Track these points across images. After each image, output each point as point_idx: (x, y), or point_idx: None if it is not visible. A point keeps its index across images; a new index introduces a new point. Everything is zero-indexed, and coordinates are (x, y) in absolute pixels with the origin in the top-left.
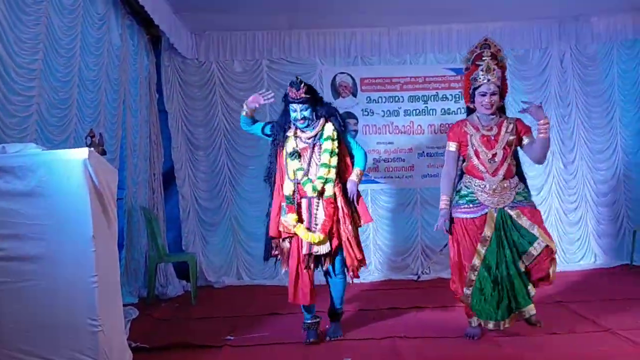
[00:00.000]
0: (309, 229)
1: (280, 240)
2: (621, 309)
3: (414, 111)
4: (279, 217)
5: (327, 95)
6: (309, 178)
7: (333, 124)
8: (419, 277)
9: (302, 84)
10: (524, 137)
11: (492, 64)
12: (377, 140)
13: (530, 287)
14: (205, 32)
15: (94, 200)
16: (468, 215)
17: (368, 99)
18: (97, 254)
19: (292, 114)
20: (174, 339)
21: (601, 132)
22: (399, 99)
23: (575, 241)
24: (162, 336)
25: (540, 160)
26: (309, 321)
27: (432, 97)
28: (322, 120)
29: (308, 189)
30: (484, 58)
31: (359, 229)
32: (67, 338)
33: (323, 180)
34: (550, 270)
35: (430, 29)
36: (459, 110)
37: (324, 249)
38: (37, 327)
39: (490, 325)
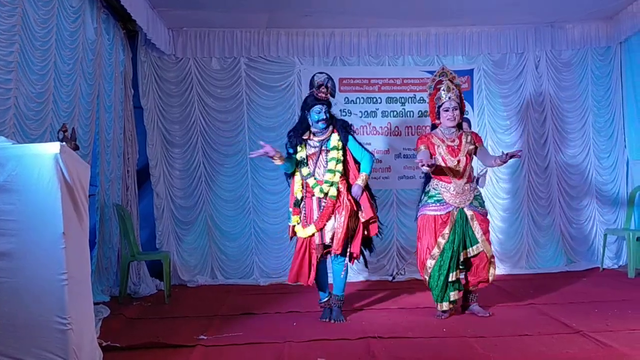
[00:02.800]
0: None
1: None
2: (591, 311)
3: (392, 112)
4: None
5: (305, 95)
6: (316, 182)
7: (339, 134)
8: (394, 278)
9: (331, 88)
10: (478, 146)
11: (451, 84)
12: None
13: (456, 272)
14: (183, 28)
15: (65, 196)
16: (435, 212)
17: (346, 99)
18: (67, 251)
19: (316, 116)
20: (146, 338)
21: (574, 137)
22: (376, 100)
23: (547, 244)
24: (133, 335)
25: (489, 166)
26: (324, 300)
27: (410, 99)
28: (330, 128)
29: (316, 191)
30: (443, 82)
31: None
32: (35, 337)
33: (329, 184)
34: (490, 273)
35: (409, 32)
36: None
37: (328, 237)
38: (4, 325)
39: (444, 306)
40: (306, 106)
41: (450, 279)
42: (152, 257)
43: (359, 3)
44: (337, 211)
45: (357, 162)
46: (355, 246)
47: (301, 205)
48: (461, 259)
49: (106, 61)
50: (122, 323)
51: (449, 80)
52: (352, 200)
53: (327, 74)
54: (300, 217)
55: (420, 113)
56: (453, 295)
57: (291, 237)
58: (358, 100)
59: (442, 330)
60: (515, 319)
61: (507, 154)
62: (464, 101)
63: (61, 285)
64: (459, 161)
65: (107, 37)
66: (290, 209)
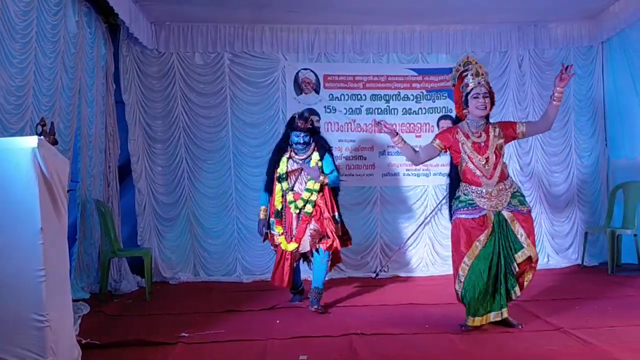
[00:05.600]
0: (288, 236)
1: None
2: (572, 309)
3: (376, 110)
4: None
5: (289, 91)
6: (293, 198)
7: (319, 153)
8: (377, 275)
9: (309, 118)
10: (517, 128)
11: (481, 70)
12: (339, 137)
13: (516, 288)
14: (166, 22)
15: (43, 192)
16: (468, 216)
17: (331, 96)
18: (45, 247)
19: (295, 139)
20: (126, 336)
21: (557, 135)
22: (361, 97)
23: None
24: (113, 333)
25: (550, 126)
26: (294, 290)
27: (394, 96)
28: (312, 146)
29: (291, 207)
30: (469, 70)
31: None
32: (11, 334)
33: (305, 201)
34: (526, 279)
35: (394, 29)
36: (420, 110)
37: (305, 245)
38: None
39: (476, 322)
40: (290, 127)
41: (494, 298)
42: (133, 253)
43: (344, 0)
44: (314, 219)
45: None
46: (339, 239)
47: (282, 216)
48: (514, 270)
49: (88, 55)
50: (102, 320)
51: (477, 66)
52: (328, 210)
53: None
54: (283, 227)
55: (404, 110)
56: (494, 315)
57: (275, 247)
58: (342, 97)
59: (424, 326)
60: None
61: (557, 84)
62: (493, 91)
63: (39, 281)
64: (487, 159)
65: (88, 31)
66: (272, 219)
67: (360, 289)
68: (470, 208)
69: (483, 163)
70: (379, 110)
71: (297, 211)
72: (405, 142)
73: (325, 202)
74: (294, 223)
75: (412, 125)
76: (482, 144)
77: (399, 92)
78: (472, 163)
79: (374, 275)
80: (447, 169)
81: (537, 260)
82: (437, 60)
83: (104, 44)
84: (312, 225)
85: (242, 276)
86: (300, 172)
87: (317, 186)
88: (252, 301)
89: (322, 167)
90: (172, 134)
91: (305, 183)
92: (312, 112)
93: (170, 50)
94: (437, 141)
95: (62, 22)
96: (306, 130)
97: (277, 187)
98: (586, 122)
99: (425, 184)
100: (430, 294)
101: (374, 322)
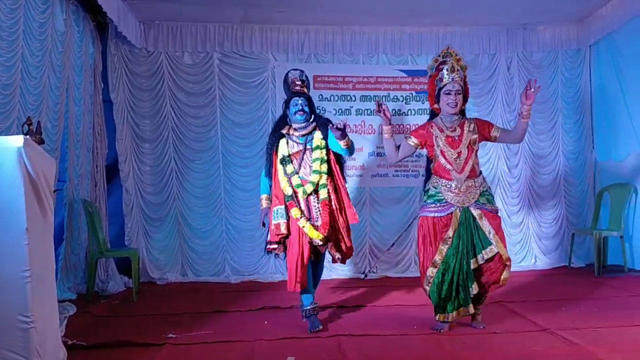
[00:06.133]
0: (312, 225)
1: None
2: (558, 310)
3: (366, 111)
4: (272, 223)
5: (279, 92)
6: (300, 183)
7: (322, 132)
8: (366, 276)
9: (306, 81)
10: (492, 131)
11: (456, 65)
12: None
13: (474, 285)
14: (155, 21)
15: (29, 191)
16: (435, 214)
17: (320, 96)
18: (30, 248)
19: (293, 108)
20: (113, 337)
21: (544, 138)
22: (351, 98)
23: (516, 243)
24: (100, 334)
25: (520, 140)
26: (309, 307)
27: (384, 97)
28: (313, 124)
29: (299, 192)
30: (447, 62)
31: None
32: None
33: (314, 186)
34: (502, 276)
35: (384, 30)
36: (409, 111)
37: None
38: None
39: (446, 317)
40: (285, 103)
41: (458, 294)
42: (120, 254)
43: (333, 1)
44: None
45: (339, 162)
46: (350, 241)
47: (295, 200)
48: (472, 267)
49: (76, 53)
50: (88, 321)
51: (454, 60)
52: (339, 204)
53: (300, 70)
54: (301, 212)
55: (394, 111)
56: (463, 311)
57: (276, 243)
58: (332, 97)
59: (412, 327)
60: (484, 317)
61: (523, 102)
62: (468, 86)
63: (24, 282)
64: (459, 154)
65: (76, 29)
66: (281, 206)
67: (349, 289)
68: (438, 205)
69: (455, 157)
70: (369, 111)
71: (306, 196)
72: (392, 136)
73: (338, 196)
74: (313, 209)
75: (401, 126)
76: (456, 138)
77: (389, 93)
78: (444, 157)
79: (362, 276)
80: None
81: (509, 259)
82: (426, 61)
83: (92, 43)
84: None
85: (230, 277)
86: (304, 155)
87: (324, 167)
88: (240, 302)
89: (331, 148)
90: (160, 133)
91: (310, 167)
92: (301, 71)
93: (159, 50)
94: (412, 138)
95: (50, 20)
96: (305, 96)
97: (280, 171)
98: (573, 125)
99: (414, 185)
100: (419, 295)
101: (362, 323)
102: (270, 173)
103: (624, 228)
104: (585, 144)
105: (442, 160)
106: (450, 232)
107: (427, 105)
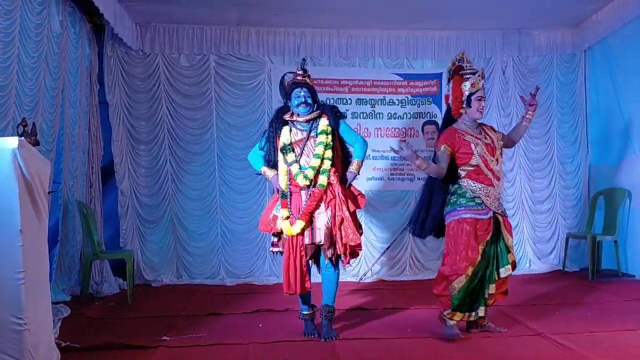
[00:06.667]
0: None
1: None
2: (552, 314)
3: (361, 114)
4: (270, 212)
5: (275, 94)
6: (300, 170)
7: (328, 119)
8: (361, 279)
9: (308, 72)
10: (501, 138)
11: (483, 72)
12: None
13: (492, 285)
14: (151, 23)
15: (23, 193)
16: (478, 216)
17: None
18: (24, 249)
19: (296, 100)
20: (107, 339)
21: (539, 142)
22: (347, 101)
23: None
24: (94, 336)
25: (514, 144)
26: (305, 312)
27: (379, 100)
28: (318, 112)
29: (300, 180)
30: (464, 67)
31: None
32: None
33: (314, 170)
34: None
35: (380, 34)
36: (405, 115)
37: (320, 235)
38: None
39: (457, 317)
40: (287, 95)
41: (475, 299)
42: (115, 255)
43: (330, 4)
44: (330, 205)
45: (344, 153)
46: (356, 235)
47: (288, 198)
48: (494, 278)
49: (72, 55)
50: (82, 323)
51: (481, 70)
52: (344, 193)
53: (303, 59)
54: (289, 211)
55: (389, 115)
56: (482, 310)
57: (271, 231)
58: (328, 101)
59: (407, 330)
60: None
61: (529, 101)
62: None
63: (18, 284)
64: (497, 160)
65: (72, 31)
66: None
67: (344, 293)
68: (478, 207)
69: (495, 164)
70: (364, 115)
71: (307, 182)
72: (428, 162)
73: (352, 195)
74: (303, 198)
75: (396, 129)
76: (491, 144)
77: (384, 97)
78: (486, 164)
79: (357, 279)
80: None
81: (514, 261)
82: (422, 65)
83: (89, 44)
84: (329, 213)
85: (225, 279)
86: (306, 142)
87: (327, 153)
88: (235, 304)
89: (340, 138)
90: (156, 135)
91: (312, 152)
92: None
93: (156, 52)
94: (447, 147)
95: (46, 22)
96: (307, 86)
97: (281, 161)
98: (568, 129)
99: (409, 189)
100: (413, 298)
101: (357, 327)
102: (271, 161)
103: (618, 232)
104: (580, 148)
105: (483, 167)
106: (488, 236)
107: (422, 109)
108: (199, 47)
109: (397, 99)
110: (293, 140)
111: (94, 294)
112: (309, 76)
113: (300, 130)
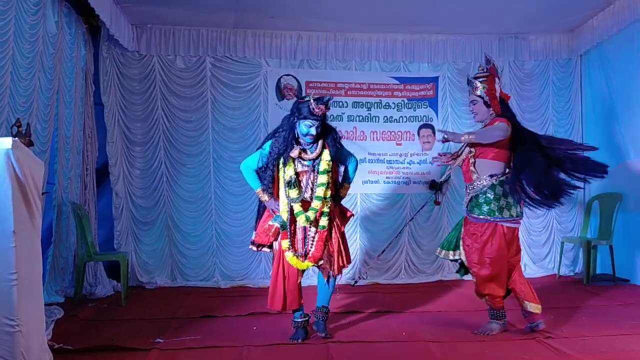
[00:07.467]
0: (300, 254)
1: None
2: (546, 318)
3: (358, 117)
4: (265, 224)
5: (271, 97)
6: (301, 210)
7: (330, 151)
8: (355, 282)
9: (328, 103)
10: None
11: None
12: None
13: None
14: (147, 25)
15: (16, 194)
16: (517, 225)
17: None
18: (17, 250)
19: (305, 129)
20: (100, 341)
21: None
22: (343, 104)
23: None
24: (87, 338)
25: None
26: (299, 320)
27: (376, 104)
28: (320, 143)
29: (300, 220)
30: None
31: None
32: None
33: (315, 213)
34: None
35: (376, 37)
36: (401, 118)
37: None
38: None
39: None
40: (298, 114)
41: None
42: (109, 257)
43: (326, 7)
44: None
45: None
46: (347, 256)
47: (288, 229)
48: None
49: (67, 56)
50: (76, 325)
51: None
52: (339, 222)
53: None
54: (289, 242)
55: (385, 118)
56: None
57: (269, 242)
58: None
59: (401, 334)
60: (473, 325)
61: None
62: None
63: (10, 285)
64: None
65: (68, 32)
66: (277, 216)
67: (339, 296)
68: (517, 218)
69: None
70: (360, 118)
71: (308, 224)
72: (470, 132)
73: (340, 212)
74: (300, 241)
75: (392, 133)
76: None
77: (381, 100)
78: None
79: (352, 282)
80: (426, 177)
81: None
82: (418, 69)
83: (84, 45)
84: (329, 248)
85: (220, 281)
86: (310, 176)
87: (328, 193)
88: (229, 307)
89: (343, 170)
90: (151, 137)
91: (313, 190)
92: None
93: (152, 53)
94: (509, 128)
95: (41, 22)
96: (321, 118)
97: (282, 194)
98: (564, 134)
99: (404, 192)
100: (408, 301)
101: (351, 330)
102: (269, 191)
103: (613, 237)
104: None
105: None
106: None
107: (419, 112)
108: (195, 49)
109: (394, 103)
110: (298, 172)
111: (87, 296)
112: (328, 109)
113: (303, 164)
